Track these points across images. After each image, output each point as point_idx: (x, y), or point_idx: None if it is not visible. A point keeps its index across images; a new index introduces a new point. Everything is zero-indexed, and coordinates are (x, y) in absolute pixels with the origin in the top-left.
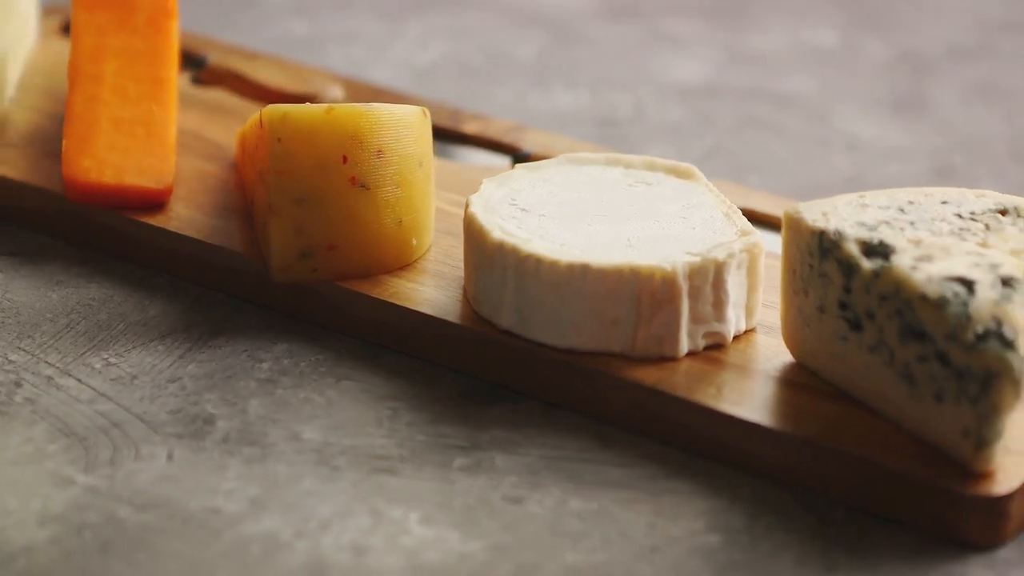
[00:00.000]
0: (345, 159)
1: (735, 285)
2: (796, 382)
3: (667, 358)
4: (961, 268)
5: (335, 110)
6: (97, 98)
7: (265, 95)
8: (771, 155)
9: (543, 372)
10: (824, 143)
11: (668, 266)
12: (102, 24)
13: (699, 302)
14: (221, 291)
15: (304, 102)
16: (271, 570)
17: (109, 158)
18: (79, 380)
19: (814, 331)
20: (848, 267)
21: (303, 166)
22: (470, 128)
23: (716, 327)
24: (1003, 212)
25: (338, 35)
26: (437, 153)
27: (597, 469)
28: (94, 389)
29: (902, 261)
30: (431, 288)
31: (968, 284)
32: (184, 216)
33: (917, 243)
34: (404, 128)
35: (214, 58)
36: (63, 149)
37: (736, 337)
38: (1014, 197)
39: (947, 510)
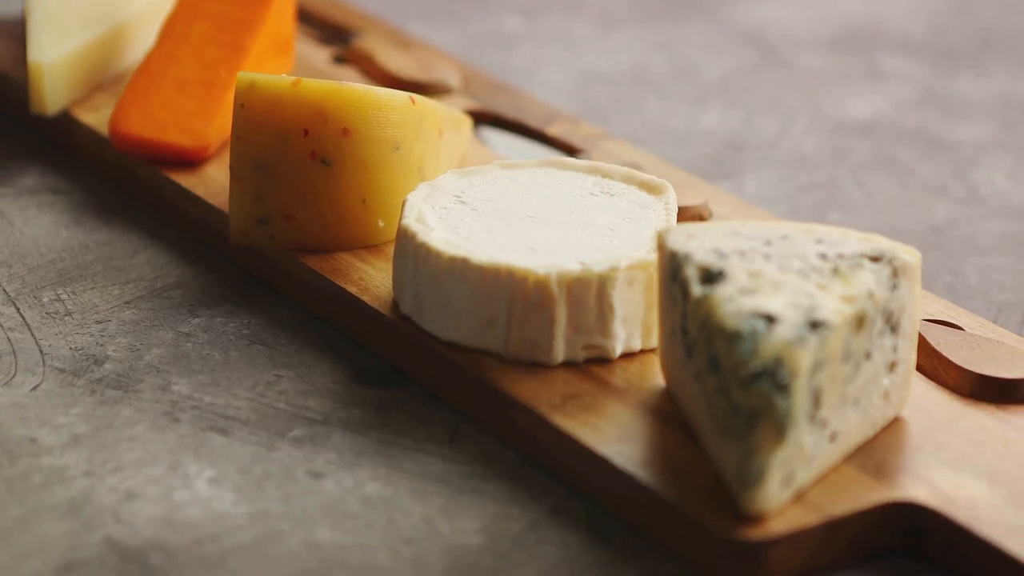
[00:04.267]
0: (306, 132)
1: (625, 301)
2: (651, 406)
3: (541, 364)
4: (774, 305)
5: (302, 84)
6: (173, 56)
7: (386, 79)
8: (872, 196)
9: (424, 361)
10: (942, 191)
11: (542, 271)
12: None
13: (580, 312)
14: (210, 248)
15: (418, 89)
16: (34, 500)
17: (157, 114)
18: (18, 309)
19: (669, 355)
20: (684, 291)
21: (264, 135)
22: (554, 130)
23: (599, 340)
24: (875, 259)
25: (541, 36)
26: (504, 149)
27: (424, 460)
28: (23, 318)
29: (724, 291)
30: (376, 269)
31: (771, 321)
32: (208, 175)
33: (755, 276)
34: (378, 111)
35: (362, 39)
36: (119, 99)
37: (630, 355)
38: (900, 246)
39: (712, 551)
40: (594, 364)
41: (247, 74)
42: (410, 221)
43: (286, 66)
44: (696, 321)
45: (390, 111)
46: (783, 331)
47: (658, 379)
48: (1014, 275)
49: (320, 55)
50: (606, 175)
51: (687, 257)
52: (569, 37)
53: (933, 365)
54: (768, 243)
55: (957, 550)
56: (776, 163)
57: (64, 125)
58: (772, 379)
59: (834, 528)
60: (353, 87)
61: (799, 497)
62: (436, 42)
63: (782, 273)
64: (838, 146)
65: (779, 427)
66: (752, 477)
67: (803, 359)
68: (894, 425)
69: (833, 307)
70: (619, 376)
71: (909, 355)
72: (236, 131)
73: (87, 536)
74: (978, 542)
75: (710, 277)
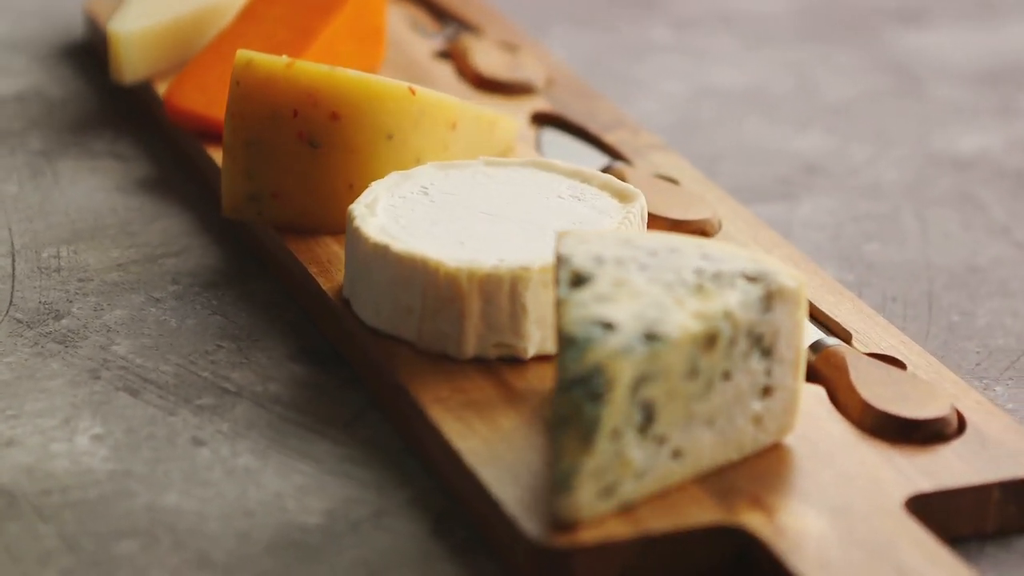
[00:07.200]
0: (296, 114)
1: (540, 302)
2: (542, 411)
3: (452, 358)
4: (619, 314)
5: (295, 66)
6: (244, 35)
7: (474, 77)
8: (925, 231)
9: (349, 344)
10: (1003, 233)
11: (452, 265)
12: None
13: (493, 310)
14: (228, 222)
15: (500, 88)
16: None
17: (210, 90)
18: (12, 260)
19: None
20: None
21: (256, 113)
22: (611, 137)
23: (511, 340)
24: (752, 279)
25: (681, 48)
26: (554, 151)
27: (310, 439)
28: (12, 270)
29: (581, 296)
30: None
31: (609, 329)
32: None
33: (619, 285)
34: (371, 98)
35: (469, 37)
36: (181, 71)
37: (547, 357)
38: (786, 270)
39: (525, 554)
40: (505, 363)
41: (246, 52)
42: (358, 206)
43: (372, 55)
44: (559, 325)
45: (384, 100)
46: (613, 340)
47: None
48: None
49: (424, 48)
50: (585, 180)
51: (566, 260)
52: (708, 51)
53: (846, 397)
54: (653, 254)
55: None
56: (844, 190)
57: (144, 95)
58: (586, 387)
59: (651, 544)
60: (347, 73)
61: (626, 510)
62: (576, 46)
63: (649, 284)
64: (921, 179)
65: (585, 435)
66: (560, 483)
67: (624, 370)
68: (770, 451)
69: (678, 322)
70: (525, 378)
71: (790, 382)
72: (230, 108)
73: None
74: (788, 574)
75: (578, 281)
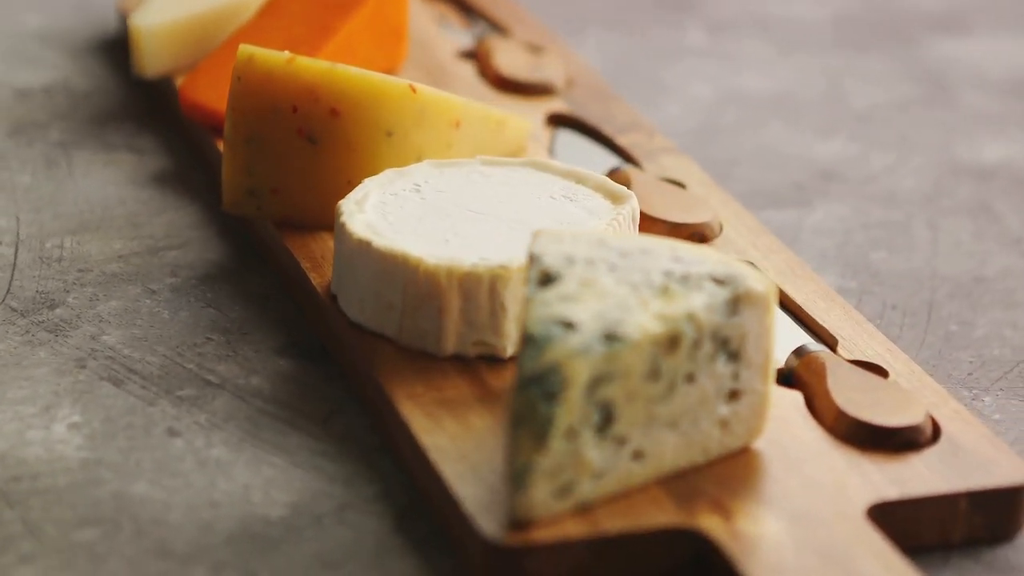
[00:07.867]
0: (295, 109)
1: (520, 301)
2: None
3: (432, 355)
4: (580, 314)
5: (295, 62)
6: (262, 30)
7: (495, 77)
8: (935, 241)
9: (335, 339)
10: (1015, 244)
11: (432, 262)
12: None
13: (472, 308)
14: (233, 216)
15: (519, 88)
16: None
17: (224, 85)
18: (16, 250)
19: None
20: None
21: (256, 108)
22: (624, 140)
23: (490, 338)
24: (720, 282)
25: (713, 52)
26: (566, 153)
27: (286, 432)
28: (13, 259)
29: (546, 296)
30: None
31: (569, 328)
32: None
33: (586, 285)
34: (371, 96)
35: (494, 38)
36: (197, 66)
37: None
38: (756, 274)
39: (480, 551)
40: (484, 362)
41: (248, 47)
42: (347, 202)
43: (393, 54)
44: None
45: (384, 97)
46: (572, 340)
47: None
48: None
49: (448, 48)
50: (580, 180)
51: (537, 259)
52: (740, 56)
53: (821, 403)
54: (624, 255)
55: None
56: (859, 197)
57: (166, 89)
58: (542, 385)
59: (605, 544)
60: (347, 69)
61: (584, 510)
62: (609, 49)
63: (616, 285)
64: (940, 188)
65: (539, 434)
66: (514, 481)
67: (580, 370)
68: (738, 455)
69: (639, 323)
70: (502, 377)
71: (759, 386)
72: (231, 103)
73: None
74: None
75: (546, 281)
